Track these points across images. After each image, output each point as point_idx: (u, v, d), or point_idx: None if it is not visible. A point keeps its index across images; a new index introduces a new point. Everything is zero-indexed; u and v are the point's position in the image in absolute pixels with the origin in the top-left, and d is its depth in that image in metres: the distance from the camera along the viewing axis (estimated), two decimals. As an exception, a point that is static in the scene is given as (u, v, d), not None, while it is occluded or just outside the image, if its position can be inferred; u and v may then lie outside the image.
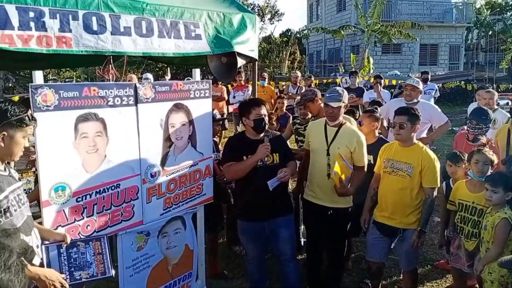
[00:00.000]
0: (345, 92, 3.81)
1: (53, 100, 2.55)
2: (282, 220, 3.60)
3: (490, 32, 30.83)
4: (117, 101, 2.86)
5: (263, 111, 3.48)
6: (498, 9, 32.17)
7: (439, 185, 3.63)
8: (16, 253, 2.09)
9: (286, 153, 3.67)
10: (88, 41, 2.83)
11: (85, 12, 2.79)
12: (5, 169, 2.27)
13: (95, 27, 2.84)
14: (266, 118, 3.54)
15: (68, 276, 2.49)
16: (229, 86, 11.03)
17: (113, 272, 2.61)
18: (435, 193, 3.59)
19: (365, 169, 3.82)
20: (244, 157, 3.47)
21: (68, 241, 2.54)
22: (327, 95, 3.79)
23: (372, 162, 4.02)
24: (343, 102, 3.72)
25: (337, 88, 3.91)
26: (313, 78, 12.54)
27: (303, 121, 5.24)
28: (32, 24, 2.56)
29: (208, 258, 4.35)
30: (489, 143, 4.17)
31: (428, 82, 10.14)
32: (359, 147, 3.71)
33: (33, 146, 2.76)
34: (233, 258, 4.86)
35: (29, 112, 2.32)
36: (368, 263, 3.99)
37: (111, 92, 2.82)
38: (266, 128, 3.58)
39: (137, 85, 3.00)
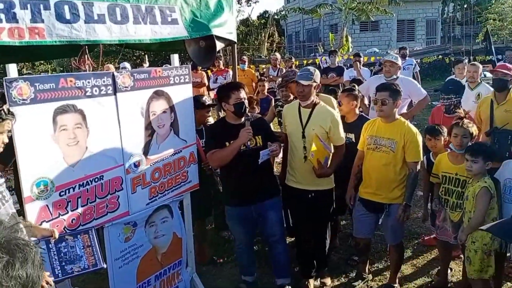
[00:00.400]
0: (317, 71, 3.79)
1: (29, 93, 2.47)
2: (270, 202, 3.61)
3: (466, 5, 31.08)
4: (95, 91, 2.79)
5: (243, 94, 3.46)
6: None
7: (421, 159, 3.67)
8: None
9: (269, 135, 3.67)
10: (61, 31, 2.74)
11: (57, 1, 2.71)
12: None
13: (68, 16, 2.75)
14: (246, 102, 3.52)
15: (59, 271, 2.47)
16: (209, 71, 10.91)
17: (104, 264, 2.61)
18: (418, 167, 3.64)
19: (344, 148, 3.82)
20: (227, 143, 3.45)
21: (57, 236, 2.50)
22: (298, 73, 3.78)
23: (353, 140, 4.04)
24: (314, 82, 3.68)
25: (309, 67, 3.88)
26: (293, 60, 12.49)
27: (285, 103, 5.22)
28: (2, 16, 2.47)
29: (197, 245, 4.36)
30: (467, 116, 4.23)
31: (407, 58, 10.22)
32: (334, 126, 3.69)
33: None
34: (222, 244, 4.88)
35: (5, 106, 2.25)
36: (355, 240, 4.05)
37: (88, 82, 2.74)
38: (247, 111, 3.55)
39: (115, 73, 2.93)
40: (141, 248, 3.23)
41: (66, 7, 2.75)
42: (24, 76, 2.52)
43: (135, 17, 3.11)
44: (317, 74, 3.76)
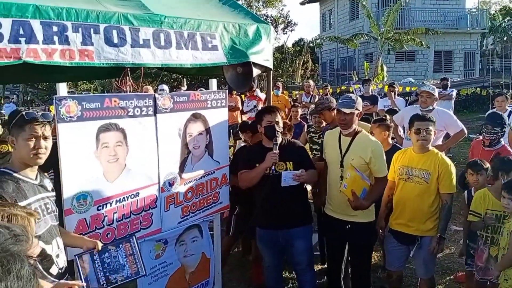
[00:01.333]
0: (359, 99, 3.72)
1: (76, 111, 2.63)
2: (298, 230, 3.56)
3: (506, 38, 30.50)
4: (137, 111, 2.93)
5: (275, 118, 3.50)
6: (513, 14, 31.87)
7: (455, 191, 3.61)
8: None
9: (303, 161, 3.60)
10: (109, 54, 2.90)
11: (106, 25, 2.87)
12: (36, 177, 2.33)
13: (115, 40, 2.92)
14: (280, 125, 3.54)
15: (104, 281, 2.56)
16: (243, 96, 11.12)
17: (145, 271, 2.70)
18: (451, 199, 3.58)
19: (385, 180, 3.70)
20: (257, 165, 3.49)
21: (100, 247, 2.59)
22: (339, 101, 3.74)
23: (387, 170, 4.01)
24: (357, 109, 3.60)
25: (350, 94, 3.84)
26: (329, 87, 12.56)
27: (317, 129, 5.25)
28: (55, 38, 2.65)
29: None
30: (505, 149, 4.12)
31: (448, 88, 10.29)
32: (375, 157, 3.55)
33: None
34: (248, 267, 4.88)
35: (36, 112, 2.35)
36: (388, 272, 3.97)
37: (131, 103, 2.89)
38: (279, 135, 3.54)
39: (156, 95, 3.07)
40: (170, 266, 3.30)
41: (114, 32, 2.92)
42: (73, 95, 2.68)
43: (177, 42, 3.26)
44: (359, 102, 3.69)
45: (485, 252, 3.59)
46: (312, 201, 4.18)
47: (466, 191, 4.01)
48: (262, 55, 3.91)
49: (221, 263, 4.42)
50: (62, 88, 2.66)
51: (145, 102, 2.97)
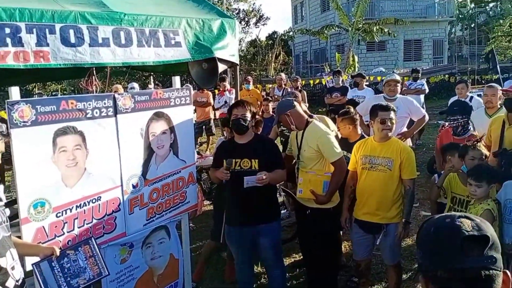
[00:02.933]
0: (298, 93, 4.03)
1: (30, 116, 2.52)
2: (264, 227, 3.53)
3: (473, 25, 31.21)
4: (96, 113, 2.83)
5: (241, 111, 3.47)
6: (481, 3, 32.55)
7: (416, 176, 3.67)
8: None
9: (270, 160, 3.53)
10: (66, 54, 2.81)
11: (62, 25, 2.79)
12: None
13: (72, 40, 2.83)
14: (247, 119, 3.48)
15: (66, 286, 2.51)
16: (215, 91, 11.04)
17: (108, 271, 2.69)
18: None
19: (341, 163, 3.73)
20: (224, 160, 3.46)
21: (58, 253, 2.53)
22: (278, 107, 3.92)
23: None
24: (296, 105, 3.84)
25: (293, 90, 4.09)
26: (300, 80, 12.57)
27: None
28: (8, 40, 2.55)
29: (200, 264, 4.39)
30: (482, 139, 4.15)
31: (418, 80, 10.14)
32: (321, 144, 3.66)
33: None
34: (221, 264, 4.85)
35: (4, 125, 2.28)
36: (356, 262, 4.01)
37: (89, 104, 2.79)
38: (249, 129, 3.54)
39: (116, 95, 2.98)
40: (137, 270, 3.22)
41: (71, 31, 2.82)
42: (26, 99, 2.57)
43: (139, 40, 3.18)
44: (295, 97, 3.98)
45: None
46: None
47: (435, 175, 4.07)
48: (228, 50, 3.86)
49: (203, 266, 4.41)
50: (15, 92, 2.55)
51: (104, 103, 2.87)
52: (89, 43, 2.90)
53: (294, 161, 4.01)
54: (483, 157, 3.58)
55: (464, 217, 1.14)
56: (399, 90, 5.57)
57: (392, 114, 3.61)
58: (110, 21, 3.02)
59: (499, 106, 5.01)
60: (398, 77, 5.68)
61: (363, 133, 4.57)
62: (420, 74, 10.42)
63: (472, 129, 4.45)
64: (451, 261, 1.08)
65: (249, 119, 3.50)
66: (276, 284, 3.73)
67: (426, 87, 10.10)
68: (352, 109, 4.60)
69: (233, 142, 3.63)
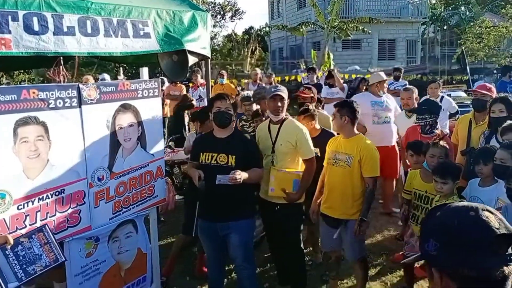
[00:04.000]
0: (286, 90, 3.88)
1: (-12, 105, 2.43)
2: (234, 224, 3.44)
3: (445, 27, 31.88)
4: (59, 103, 2.76)
5: (224, 104, 3.39)
6: (453, 5, 33.26)
7: (378, 174, 3.71)
8: None
9: (247, 157, 3.45)
10: (28, 42, 2.74)
11: (26, 12, 2.71)
12: None
13: (36, 28, 2.76)
14: (231, 112, 3.42)
15: (22, 274, 2.48)
16: (190, 84, 10.93)
17: (64, 257, 2.67)
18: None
19: (313, 162, 3.79)
20: (201, 154, 3.43)
21: (11, 241, 2.47)
22: (272, 89, 3.84)
23: (319, 154, 4.07)
24: (287, 97, 3.81)
25: (278, 85, 4.03)
26: (274, 76, 12.58)
27: (248, 118, 5.29)
28: (-33, 27, 2.46)
29: (171, 258, 4.34)
30: (445, 138, 4.25)
31: (400, 79, 9.83)
32: (300, 140, 3.71)
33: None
34: (191, 259, 4.82)
35: None
36: (325, 254, 4.06)
37: (52, 94, 2.71)
38: (231, 122, 3.46)
39: (81, 86, 2.91)
40: (103, 264, 3.16)
41: (35, 19, 2.75)
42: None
43: (106, 30, 3.12)
44: (287, 92, 3.88)
45: (410, 228, 3.75)
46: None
47: (403, 172, 4.14)
48: (199, 42, 3.82)
49: (174, 260, 4.36)
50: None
51: (68, 93, 2.80)
52: (53, 32, 2.83)
53: None
54: (443, 155, 3.65)
55: (486, 210, 1.08)
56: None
57: (335, 111, 3.71)
58: (76, 10, 2.95)
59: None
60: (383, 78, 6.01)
61: (325, 128, 4.60)
62: (402, 73, 10.04)
63: (439, 128, 4.55)
64: (479, 260, 1.02)
65: (232, 112, 3.44)
66: (246, 283, 3.65)
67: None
68: (311, 106, 4.62)
69: (211, 135, 3.55)
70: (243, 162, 3.39)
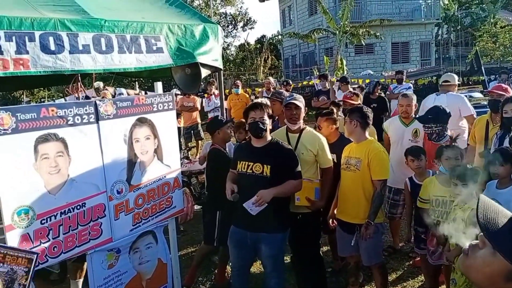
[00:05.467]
0: (303, 98, 3.89)
1: (11, 123, 2.53)
2: (265, 236, 3.39)
3: (459, 27, 31.55)
4: (77, 119, 2.85)
5: (258, 114, 3.34)
6: (466, 4, 32.94)
7: (388, 177, 3.68)
8: None
9: (282, 168, 3.36)
10: (46, 62, 2.83)
11: (42, 32, 2.80)
12: None
13: (52, 47, 2.85)
14: (266, 122, 3.36)
15: None
16: (205, 95, 11.08)
17: None
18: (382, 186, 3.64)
19: (332, 170, 3.83)
20: (238, 162, 3.44)
21: None
22: (287, 98, 3.85)
23: (335, 160, 4.07)
24: (304, 106, 3.80)
25: (294, 94, 4.01)
26: (291, 83, 12.60)
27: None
28: (-13, 48, 2.56)
29: (192, 268, 4.38)
30: (457, 139, 4.20)
31: (403, 82, 9.85)
32: (321, 149, 3.73)
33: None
34: (212, 268, 4.85)
35: None
36: (345, 260, 4.05)
37: (70, 111, 2.80)
38: (266, 132, 3.40)
39: (97, 102, 2.99)
40: (125, 275, 3.23)
41: (51, 39, 2.84)
42: (6, 107, 2.58)
43: (120, 46, 3.20)
44: (303, 100, 3.87)
45: (433, 237, 3.70)
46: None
47: (407, 179, 4.11)
48: (210, 55, 3.88)
49: (195, 270, 4.39)
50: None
51: (86, 110, 2.89)
52: (69, 50, 2.92)
53: None
54: (459, 156, 3.62)
55: None
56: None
57: (346, 116, 3.74)
58: (91, 28, 3.04)
59: (413, 116, 4.88)
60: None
61: (343, 134, 4.60)
62: (404, 76, 9.96)
63: (448, 134, 4.43)
64: None
65: (267, 122, 3.38)
66: None
67: (411, 91, 9.39)
68: (335, 111, 4.65)
69: (249, 144, 3.55)
70: (279, 173, 3.32)
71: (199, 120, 10.16)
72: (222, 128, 4.28)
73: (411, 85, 10.39)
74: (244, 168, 3.40)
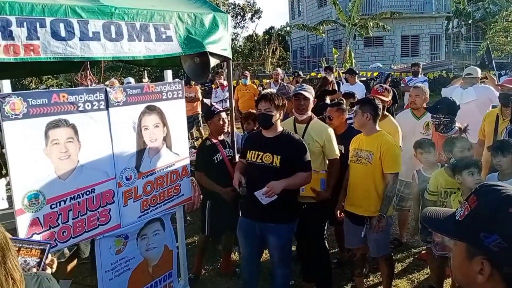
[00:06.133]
0: (312, 89, 3.89)
1: (22, 108, 2.55)
2: (272, 226, 3.43)
3: (470, 21, 31.19)
4: (88, 106, 2.87)
5: (264, 106, 3.36)
6: (478, -1, 32.55)
7: (400, 171, 3.67)
8: None
9: (293, 159, 3.37)
10: (56, 48, 2.83)
11: (53, 19, 2.80)
12: None
13: (63, 34, 2.84)
14: (273, 113, 3.36)
15: None
16: (212, 85, 11.08)
17: None
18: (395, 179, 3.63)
19: (338, 162, 3.85)
20: (248, 151, 3.47)
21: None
22: (297, 88, 3.87)
23: (343, 151, 4.07)
24: (312, 97, 3.81)
25: (304, 84, 4.05)
26: (301, 74, 12.55)
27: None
28: (-2, 33, 2.57)
29: (197, 257, 4.45)
30: (467, 130, 4.17)
31: (419, 75, 9.51)
32: (328, 140, 3.75)
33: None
34: (217, 257, 4.89)
35: None
36: (351, 252, 4.06)
37: (81, 98, 2.82)
38: (271, 123, 3.39)
39: (108, 89, 3.01)
40: (132, 261, 3.26)
41: (61, 25, 2.84)
42: (18, 92, 2.60)
43: (129, 34, 3.19)
44: (313, 91, 3.88)
45: None
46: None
47: (415, 171, 4.10)
48: (220, 44, 3.87)
49: (200, 258, 4.45)
50: (6, 85, 2.58)
51: (96, 96, 2.91)
52: (79, 37, 2.91)
53: None
54: (469, 146, 3.63)
55: None
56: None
57: (357, 108, 3.70)
58: (101, 15, 3.03)
59: (425, 107, 4.78)
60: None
61: (350, 124, 4.58)
62: (420, 68, 9.65)
63: (457, 126, 4.39)
64: None
65: (273, 113, 3.36)
66: (280, 281, 3.67)
67: (426, 84, 8.84)
68: (344, 101, 4.65)
69: (259, 134, 3.57)
70: (289, 164, 3.34)
71: (199, 110, 10.19)
72: (213, 119, 4.27)
73: (427, 78, 10.08)
74: (254, 158, 3.43)
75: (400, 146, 4.12)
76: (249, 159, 3.47)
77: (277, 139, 3.41)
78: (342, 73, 9.87)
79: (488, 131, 4.52)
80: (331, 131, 3.85)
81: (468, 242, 1.10)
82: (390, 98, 4.91)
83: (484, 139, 4.59)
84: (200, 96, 10.13)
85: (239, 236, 3.72)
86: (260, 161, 3.38)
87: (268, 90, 4.48)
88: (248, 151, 3.47)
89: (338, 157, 3.84)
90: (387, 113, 4.65)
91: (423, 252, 4.80)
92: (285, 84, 10.28)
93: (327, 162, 3.89)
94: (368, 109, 3.65)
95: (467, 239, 1.10)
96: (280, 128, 3.46)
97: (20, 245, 2.26)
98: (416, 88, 4.90)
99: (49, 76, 21.01)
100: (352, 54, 21.11)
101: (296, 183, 3.40)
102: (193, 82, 9.67)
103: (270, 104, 3.35)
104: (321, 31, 23.44)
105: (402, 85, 10.18)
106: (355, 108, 3.74)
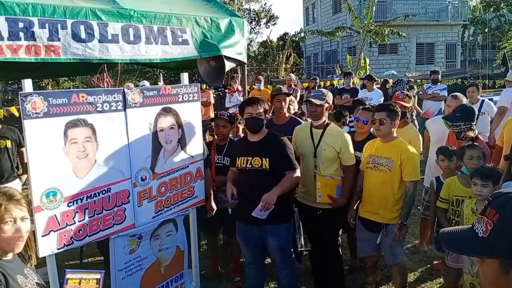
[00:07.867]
0: (330, 93, 3.89)
1: (43, 107, 2.61)
2: (271, 228, 3.47)
3: (487, 29, 30.90)
4: (106, 106, 2.92)
5: (255, 110, 3.44)
6: (494, 6, 32.23)
7: (419, 178, 3.66)
8: None
9: (280, 160, 3.43)
10: (76, 49, 2.90)
11: (74, 21, 2.87)
12: None
13: (83, 35, 2.91)
14: (262, 117, 3.46)
15: None
16: (226, 90, 11.13)
17: None
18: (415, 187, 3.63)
19: (354, 168, 3.83)
20: (237, 158, 3.52)
21: None
22: (311, 94, 3.87)
23: (361, 158, 4.06)
24: (327, 102, 3.78)
25: (322, 89, 4.00)
26: (318, 80, 12.51)
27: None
28: (21, 34, 2.65)
29: (212, 260, 4.57)
30: (478, 140, 4.15)
31: (438, 83, 9.28)
32: (344, 146, 3.74)
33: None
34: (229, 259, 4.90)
35: None
36: (363, 259, 4.04)
37: (99, 98, 2.88)
38: (263, 127, 3.49)
39: (125, 90, 3.06)
40: (145, 260, 3.30)
41: (82, 27, 2.91)
42: (39, 91, 2.67)
43: (147, 37, 3.26)
44: (330, 96, 3.86)
45: None
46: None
47: (434, 178, 4.07)
48: (235, 48, 3.91)
49: (215, 260, 4.54)
50: (28, 84, 2.64)
51: (114, 97, 2.96)
52: (98, 39, 2.98)
53: None
54: (481, 155, 3.59)
55: None
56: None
57: (382, 115, 3.63)
58: (120, 18, 3.10)
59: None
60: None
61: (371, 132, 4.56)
62: (440, 76, 9.46)
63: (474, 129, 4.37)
64: None
65: (263, 117, 3.48)
66: (285, 283, 3.69)
67: (445, 92, 8.94)
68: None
69: (245, 139, 3.65)
70: (278, 164, 3.42)
71: (211, 115, 10.24)
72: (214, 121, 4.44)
73: (446, 86, 9.90)
74: (243, 164, 3.49)
75: (421, 154, 4.08)
76: (239, 166, 3.54)
77: (264, 142, 3.49)
78: (361, 79, 9.80)
79: (507, 139, 4.45)
80: (348, 137, 3.84)
81: (503, 257, 1.06)
82: (411, 104, 4.89)
83: (502, 146, 4.53)
84: (212, 100, 10.18)
85: (240, 242, 3.78)
86: (250, 165, 3.44)
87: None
88: (237, 158, 3.53)
89: (354, 163, 3.83)
90: (408, 120, 4.63)
91: (435, 262, 4.75)
92: (298, 90, 10.30)
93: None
94: (393, 116, 3.64)
95: (501, 255, 1.06)
96: (265, 131, 3.54)
97: (80, 277, 2.36)
98: (456, 99, 4.86)
99: (66, 79, 21.28)
100: (367, 61, 21.03)
101: (287, 186, 3.43)
102: (206, 86, 9.73)
103: (259, 108, 3.45)
104: (336, 37, 23.41)
105: (420, 92, 10.08)
106: (381, 115, 3.65)
